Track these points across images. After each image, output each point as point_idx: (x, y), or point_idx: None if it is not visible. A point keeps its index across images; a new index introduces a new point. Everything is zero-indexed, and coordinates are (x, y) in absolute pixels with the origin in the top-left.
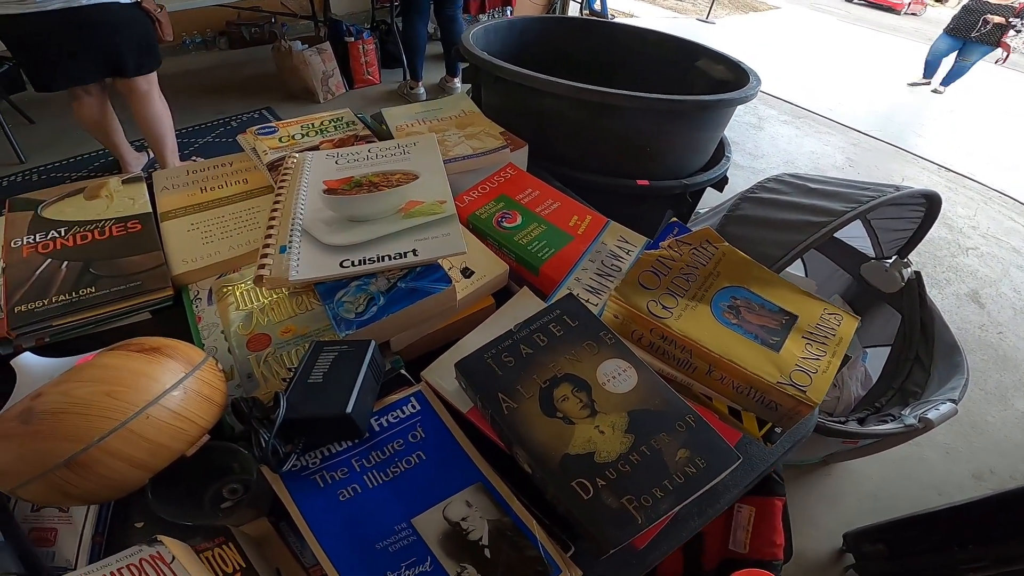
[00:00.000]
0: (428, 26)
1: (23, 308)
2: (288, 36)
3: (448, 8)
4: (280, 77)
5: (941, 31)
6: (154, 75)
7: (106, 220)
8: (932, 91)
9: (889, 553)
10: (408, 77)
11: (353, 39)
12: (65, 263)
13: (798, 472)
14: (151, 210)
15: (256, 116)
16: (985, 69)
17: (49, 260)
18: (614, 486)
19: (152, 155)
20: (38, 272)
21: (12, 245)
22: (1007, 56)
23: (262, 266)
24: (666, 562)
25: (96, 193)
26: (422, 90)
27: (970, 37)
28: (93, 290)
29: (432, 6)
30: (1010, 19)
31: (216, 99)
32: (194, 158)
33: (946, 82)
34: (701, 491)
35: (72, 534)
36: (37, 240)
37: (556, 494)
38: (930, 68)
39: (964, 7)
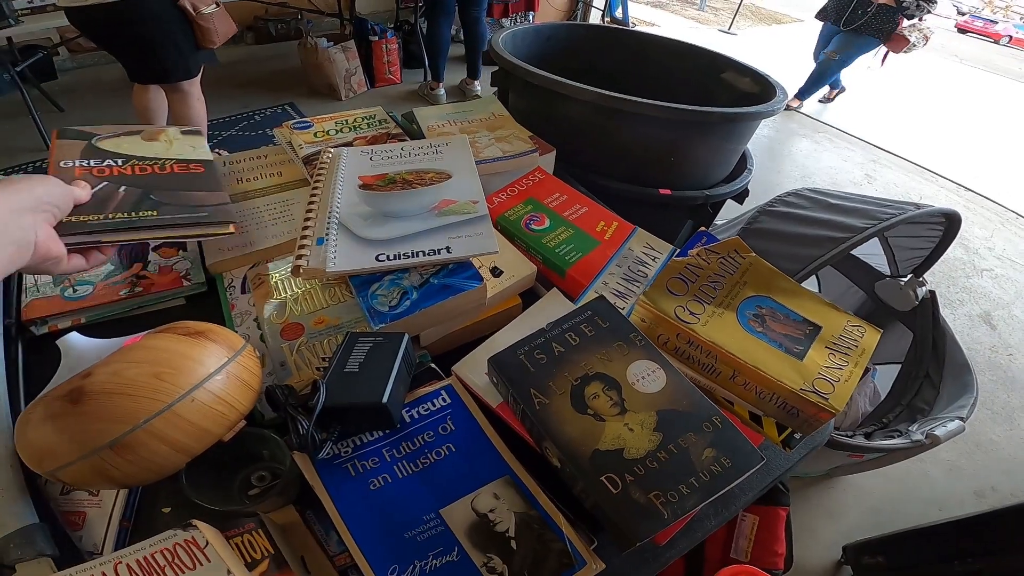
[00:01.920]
0: (452, 28)
1: (74, 218)
2: (314, 33)
3: (474, 10)
4: (304, 73)
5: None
6: (195, 78)
7: (167, 159)
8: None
9: (888, 565)
10: (429, 78)
11: (377, 38)
12: (123, 187)
13: (802, 484)
14: (212, 159)
15: (279, 111)
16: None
17: (105, 183)
18: (642, 481)
19: None
20: (93, 191)
21: (62, 165)
22: (886, 55)
23: (299, 256)
24: (667, 571)
25: (155, 136)
26: (442, 91)
27: (844, 26)
28: (155, 213)
29: (457, 8)
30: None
31: (241, 93)
32: (218, 151)
33: (803, 94)
34: (726, 489)
35: (101, 518)
36: (91, 164)
37: (585, 488)
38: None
39: None
